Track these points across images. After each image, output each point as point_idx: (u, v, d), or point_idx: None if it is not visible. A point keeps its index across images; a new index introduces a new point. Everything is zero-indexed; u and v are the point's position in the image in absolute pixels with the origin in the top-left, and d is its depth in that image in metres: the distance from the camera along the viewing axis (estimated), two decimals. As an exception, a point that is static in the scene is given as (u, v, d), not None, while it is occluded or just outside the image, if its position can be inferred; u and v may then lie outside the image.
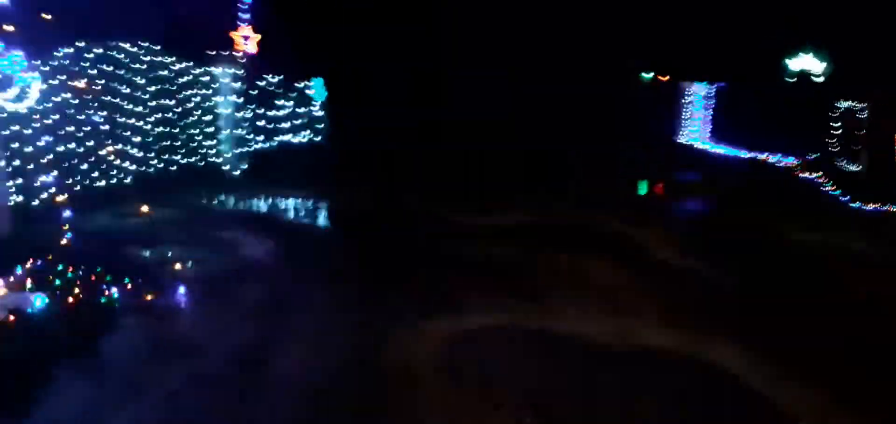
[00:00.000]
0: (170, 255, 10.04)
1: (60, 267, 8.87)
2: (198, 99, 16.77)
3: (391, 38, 22.19)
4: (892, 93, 18.40)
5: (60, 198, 11.80)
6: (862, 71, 18.93)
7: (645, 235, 11.53)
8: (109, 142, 13.99)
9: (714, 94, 23.68)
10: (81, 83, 9.35)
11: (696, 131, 24.03)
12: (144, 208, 10.88)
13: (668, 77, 26.10)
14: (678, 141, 24.14)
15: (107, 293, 7.96)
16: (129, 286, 8.28)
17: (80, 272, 8.68)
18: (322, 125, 21.06)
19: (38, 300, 7.36)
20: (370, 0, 21.65)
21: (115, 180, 14.14)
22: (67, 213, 11.41)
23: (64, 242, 9.96)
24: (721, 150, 22.58)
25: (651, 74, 26.79)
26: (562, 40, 24.93)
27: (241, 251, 10.53)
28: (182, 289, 8.39)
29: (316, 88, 20.90)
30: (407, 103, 22.89)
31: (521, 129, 22.76)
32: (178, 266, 9.49)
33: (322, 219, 13.68)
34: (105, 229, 11.33)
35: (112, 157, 13.58)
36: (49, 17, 10.74)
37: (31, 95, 7.98)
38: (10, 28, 8.78)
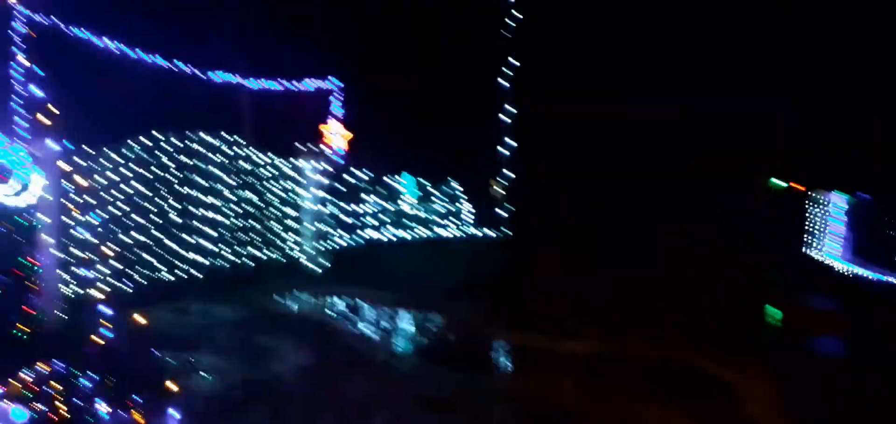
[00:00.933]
0: (193, 362, 9.36)
1: (75, 371, 8.39)
2: (281, 192, 16.54)
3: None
4: None
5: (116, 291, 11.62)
6: None
7: (745, 379, 9.44)
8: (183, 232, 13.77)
9: (858, 207, 20.83)
10: (85, 182, 9.21)
11: (834, 249, 21.12)
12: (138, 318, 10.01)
13: (804, 187, 23.49)
14: (811, 259, 21.29)
15: (93, 411, 7.28)
16: (128, 403, 7.57)
17: (85, 381, 8.11)
18: (412, 222, 20.49)
19: (17, 417, 6.73)
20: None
21: (184, 274, 13.84)
22: (114, 308, 11.16)
23: (98, 340, 9.46)
24: (863, 272, 19.51)
25: (784, 183, 24.28)
26: (683, 139, 23.35)
27: (274, 366, 9.66)
28: (178, 414, 7.53)
29: (407, 184, 20.45)
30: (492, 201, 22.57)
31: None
32: (195, 378, 8.72)
33: (374, 327, 12.65)
34: (149, 328, 10.86)
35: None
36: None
37: (31, 190, 7.74)
38: (52, 114, 8.74)
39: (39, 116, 10.01)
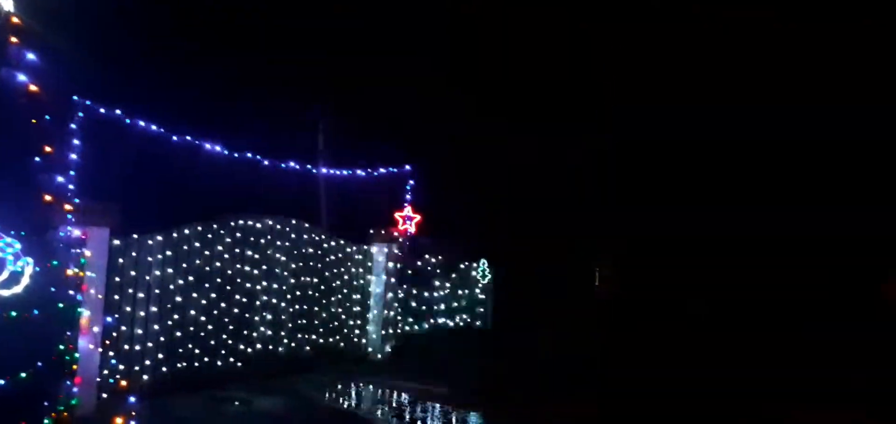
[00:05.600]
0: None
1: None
2: (346, 277, 16.24)
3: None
4: None
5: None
6: None
7: None
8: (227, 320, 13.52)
9: None
10: (71, 271, 9.11)
11: None
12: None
13: None
14: None
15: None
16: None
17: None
18: (483, 309, 19.56)
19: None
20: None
21: (237, 362, 13.60)
22: (153, 396, 11.07)
23: (124, 429, 9.28)
24: None
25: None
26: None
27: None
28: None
29: (481, 270, 19.63)
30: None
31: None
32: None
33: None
34: (185, 418, 10.66)
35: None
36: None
37: (22, 281, 7.70)
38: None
39: (88, 204, 10.20)
